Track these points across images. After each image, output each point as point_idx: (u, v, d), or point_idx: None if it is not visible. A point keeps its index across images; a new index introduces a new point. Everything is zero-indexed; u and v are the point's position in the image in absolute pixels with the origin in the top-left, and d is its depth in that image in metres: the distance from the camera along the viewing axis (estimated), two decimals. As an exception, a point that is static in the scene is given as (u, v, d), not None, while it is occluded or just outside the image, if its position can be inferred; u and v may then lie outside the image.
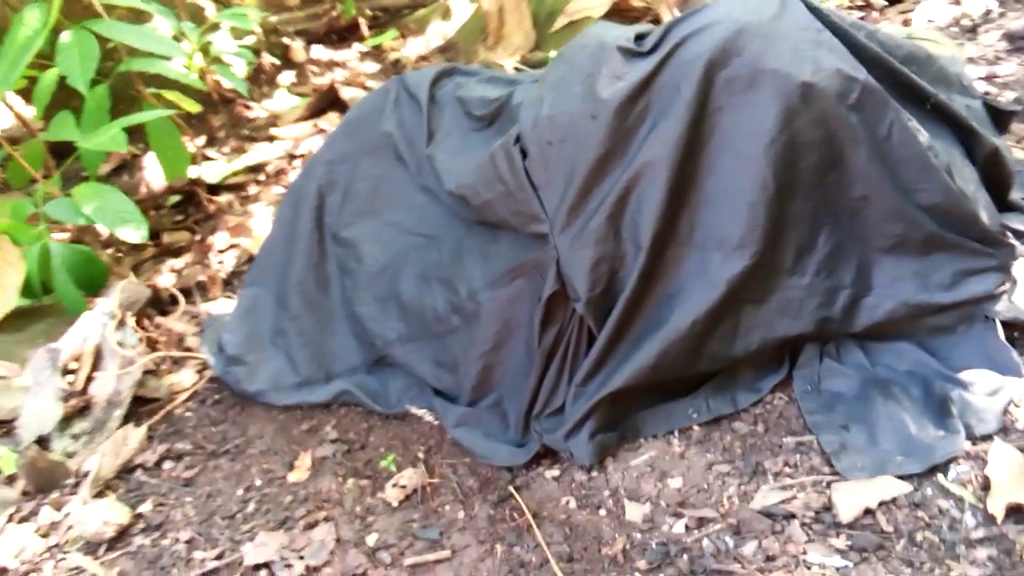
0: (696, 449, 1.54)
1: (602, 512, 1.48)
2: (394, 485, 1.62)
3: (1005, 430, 1.41)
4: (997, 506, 1.28)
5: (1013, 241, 1.53)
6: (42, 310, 2.31)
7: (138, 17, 2.83)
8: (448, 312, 1.72)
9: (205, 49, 2.90)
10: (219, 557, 1.53)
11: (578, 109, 1.50)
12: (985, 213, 1.52)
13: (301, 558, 1.49)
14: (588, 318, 1.52)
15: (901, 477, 1.37)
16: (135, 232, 2.17)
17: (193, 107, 2.93)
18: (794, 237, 1.49)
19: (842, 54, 1.44)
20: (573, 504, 1.51)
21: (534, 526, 1.47)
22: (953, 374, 1.49)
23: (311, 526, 1.57)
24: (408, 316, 1.80)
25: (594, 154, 1.47)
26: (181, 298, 2.27)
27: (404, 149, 1.88)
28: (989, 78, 2.52)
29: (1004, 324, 1.54)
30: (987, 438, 1.41)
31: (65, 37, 2.22)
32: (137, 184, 3.17)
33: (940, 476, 1.37)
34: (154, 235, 2.85)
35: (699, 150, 1.45)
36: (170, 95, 2.86)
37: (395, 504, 1.59)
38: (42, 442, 1.88)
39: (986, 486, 1.33)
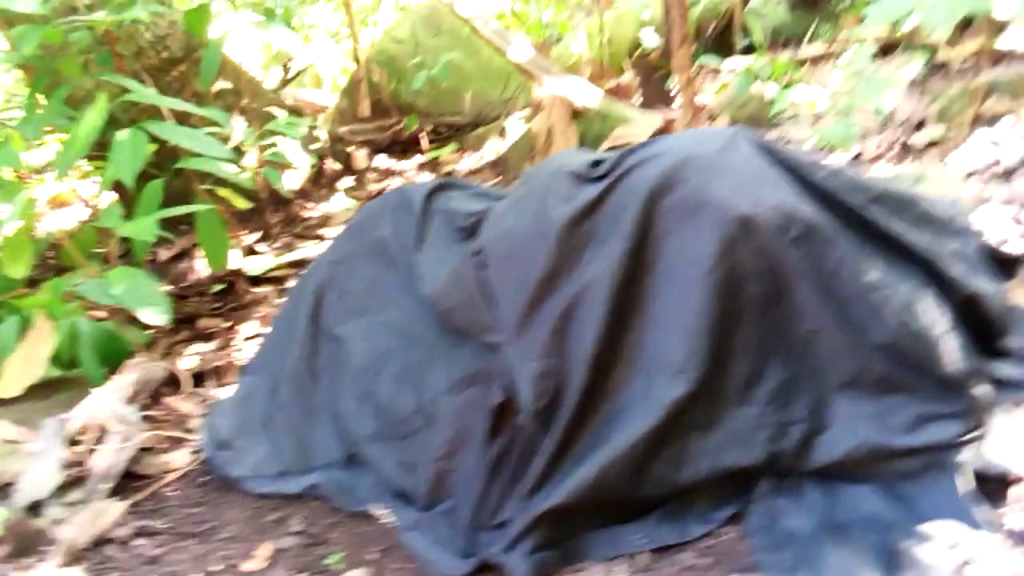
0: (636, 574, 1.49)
1: (531, 634, 1.44)
2: (337, 584, 1.62)
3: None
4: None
5: (980, 390, 1.46)
6: (68, 381, 2.47)
7: (203, 121, 3.11)
8: (413, 414, 1.76)
9: (262, 150, 3.14)
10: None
11: (530, 227, 1.56)
12: (952, 357, 1.46)
13: (230, 646, 1.50)
14: (533, 431, 1.52)
15: (837, 629, 1.28)
16: (157, 315, 2.32)
17: (243, 204, 3.17)
18: (741, 366, 1.47)
19: (786, 191, 1.46)
20: (504, 622, 1.47)
21: (459, 641, 1.44)
22: (914, 524, 1.41)
23: (249, 616, 1.58)
24: (381, 415, 1.84)
25: (542, 270, 1.52)
26: (184, 380, 2.39)
27: (396, 253, 1.98)
28: (1017, 221, 2.45)
29: (980, 476, 1.45)
30: (937, 597, 1.31)
31: (122, 135, 2.46)
32: (187, 272, 3.40)
33: (878, 633, 1.27)
34: (191, 320, 3.04)
35: (643, 274, 1.48)
36: (223, 192, 3.10)
37: (334, 603, 1.59)
38: (36, 507, 1.97)
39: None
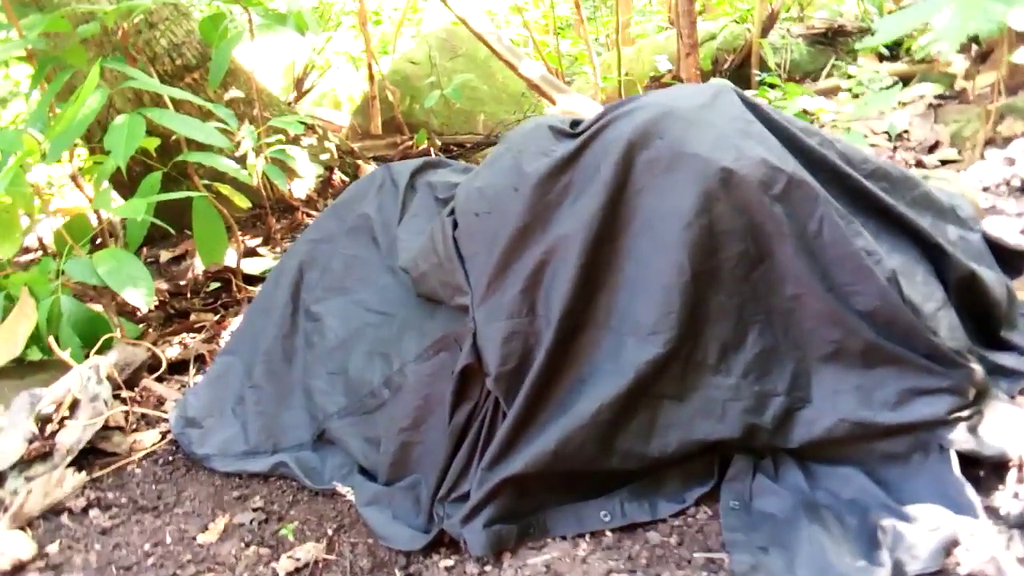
0: (601, 555, 1.39)
1: (483, 610, 1.35)
2: (289, 556, 1.54)
3: (944, 572, 1.20)
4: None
5: (973, 365, 1.37)
6: (49, 364, 2.43)
7: (206, 118, 3.12)
8: (380, 386, 1.69)
9: (259, 151, 3.14)
10: (95, 603, 1.48)
11: (504, 182, 1.51)
12: (942, 331, 1.37)
13: (167, 613, 1.42)
14: (499, 395, 1.45)
15: (808, 609, 1.18)
16: (141, 296, 2.28)
17: (244, 203, 3.15)
18: (718, 332, 1.39)
19: (771, 145, 1.40)
20: (457, 598, 1.38)
21: (406, 614, 1.35)
22: (898, 506, 1.31)
23: (193, 585, 1.50)
24: (350, 391, 1.78)
25: (514, 226, 1.45)
26: (164, 360, 2.34)
27: (379, 231, 1.93)
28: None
29: (966, 459, 1.35)
30: (920, 578, 1.20)
31: (119, 119, 2.47)
32: (186, 270, 3.39)
33: (853, 613, 1.17)
34: (185, 315, 3.01)
35: (619, 232, 1.41)
36: (224, 189, 3.09)
37: (282, 575, 1.51)
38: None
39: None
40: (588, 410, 1.37)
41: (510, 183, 1.50)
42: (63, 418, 2.07)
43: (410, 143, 4.55)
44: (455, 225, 1.58)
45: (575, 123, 1.58)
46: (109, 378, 2.20)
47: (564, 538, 1.44)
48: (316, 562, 1.52)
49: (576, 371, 1.42)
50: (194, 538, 1.67)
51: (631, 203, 1.41)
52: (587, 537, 1.43)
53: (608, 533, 1.43)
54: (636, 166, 1.41)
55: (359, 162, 4.32)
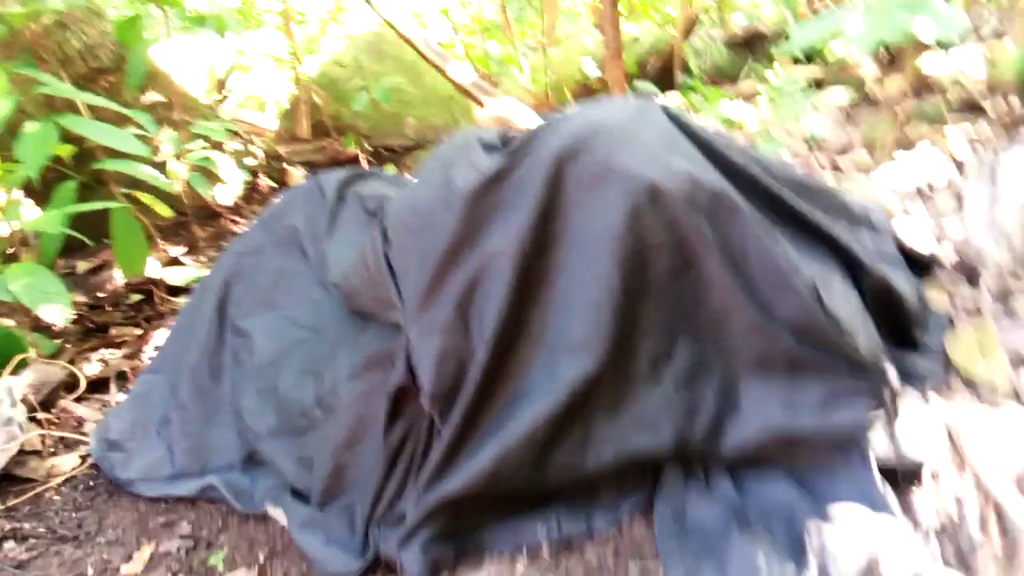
0: (538, 573, 1.40)
1: (421, 632, 1.34)
2: (219, 585, 1.50)
3: (869, 573, 1.25)
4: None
5: (888, 368, 1.42)
6: (-43, 385, 2.30)
7: (124, 123, 3.01)
8: (312, 405, 1.66)
9: (180, 156, 3.04)
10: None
11: (435, 197, 1.50)
12: (860, 336, 1.43)
13: (89, 651, 1.36)
14: (433, 414, 1.44)
15: (738, 617, 1.21)
16: (58, 312, 2.18)
17: (165, 211, 3.05)
18: (648, 345, 1.41)
19: (696, 161, 1.43)
20: (394, 621, 1.37)
21: (343, 640, 1.33)
22: (823, 513, 1.35)
23: (117, 620, 1.45)
24: (280, 410, 1.74)
25: (445, 242, 1.45)
26: (83, 379, 2.25)
27: (308, 244, 1.90)
28: (936, 236, 2.48)
29: (885, 466, 1.41)
30: (845, 584, 1.24)
31: (30, 127, 2.35)
32: (105, 281, 3.26)
33: (782, 620, 1.20)
34: (104, 329, 2.89)
35: (550, 247, 1.42)
36: (144, 198, 2.99)
37: (213, 605, 1.47)
38: (-98, 512, 1.81)
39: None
40: (523, 429, 1.37)
41: (441, 199, 1.49)
42: (-27, 445, 1.97)
43: (339, 147, 4.48)
44: (386, 240, 1.56)
45: (505, 139, 1.58)
46: (24, 400, 2.11)
47: (501, 555, 1.44)
48: (248, 590, 1.49)
49: (512, 388, 1.42)
50: (117, 569, 1.61)
51: (561, 218, 1.42)
52: (524, 555, 1.44)
53: (545, 550, 1.44)
54: (566, 181, 1.42)
55: (286, 166, 4.24)
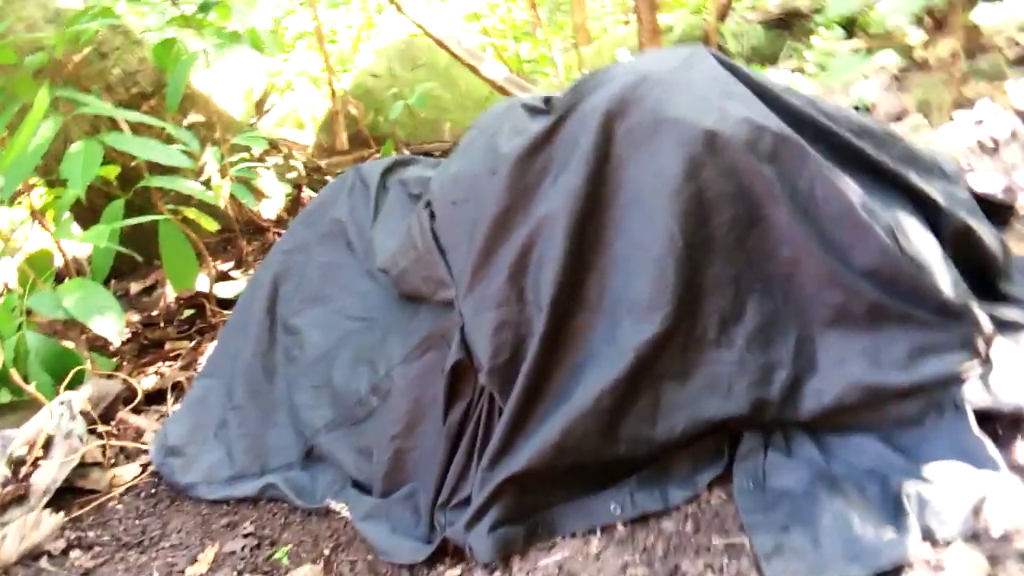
0: (615, 549, 1.32)
1: (495, 617, 1.27)
2: (285, 581, 1.46)
3: (974, 535, 1.15)
4: (954, 623, 1.02)
5: (979, 315, 1.32)
6: (19, 404, 2.32)
7: (167, 141, 3.03)
8: (368, 394, 1.62)
9: (224, 172, 3.05)
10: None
11: (480, 166, 1.44)
12: (945, 285, 1.33)
13: (159, 652, 1.33)
14: (493, 390, 1.38)
15: (839, 584, 1.12)
16: (112, 326, 2.19)
17: (211, 225, 3.06)
18: (716, 304, 1.33)
19: (753, 105, 1.34)
20: (466, 607, 1.31)
21: (415, 629, 1.27)
22: (919, 471, 1.25)
23: (185, 621, 1.42)
24: (336, 403, 1.70)
25: (494, 211, 1.39)
26: (140, 390, 2.24)
27: (354, 235, 1.86)
28: (1008, 189, 2.35)
29: (982, 416, 1.30)
30: (951, 543, 1.15)
31: (75, 147, 2.38)
32: (157, 299, 3.28)
33: (886, 584, 1.11)
34: (159, 344, 2.91)
35: (605, 207, 1.35)
36: (190, 213, 3.00)
37: (280, 602, 1.43)
38: (-27, 528, 1.82)
39: (944, 600, 1.07)
40: (589, 397, 1.30)
41: (486, 167, 1.43)
42: (37, 458, 1.97)
43: (377, 156, 4.48)
44: (432, 216, 1.51)
45: (548, 99, 1.52)
46: (83, 413, 2.11)
47: (574, 535, 1.37)
48: (315, 584, 1.44)
49: (572, 358, 1.35)
50: (183, 571, 1.59)
51: (615, 175, 1.35)
52: (598, 532, 1.36)
53: (620, 526, 1.36)
54: (616, 136, 1.35)
55: (327, 178, 4.24)
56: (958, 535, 1.15)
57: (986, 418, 1.31)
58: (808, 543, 1.21)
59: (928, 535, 1.16)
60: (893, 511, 1.20)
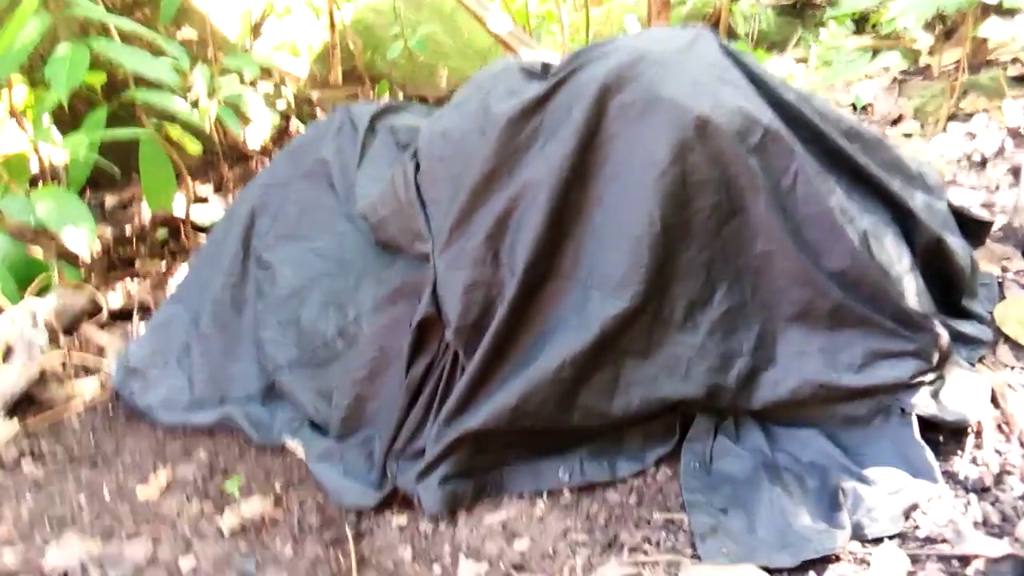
0: (558, 514, 1.36)
1: (436, 568, 1.31)
2: (233, 513, 1.48)
3: (903, 536, 1.20)
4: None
5: (939, 330, 1.35)
6: (-18, 307, 2.30)
7: (157, 53, 2.96)
8: (334, 337, 1.62)
9: (212, 94, 2.99)
10: (23, 556, 1.40)
11: (470, 124, 1.44)
12: (909, 295, 1.36)
13: (101, 567, 1.35)
14: (459, 348, 1.39)
15: (768, 570, 1.16)
16: (83, 237, 2.16)
17: (194, 147, 3.01)
18: (686, 288, 1.35)
19: (749, 95, 1.35)
20: (408, 556, 1.34)
21: (355, 573, 1.30)
22: (858, 469, 1.29)
23: (131, 540, 1.43)
24: (302, 341, 1.70)
25: (480, 170, 1.39)
26: (105, 306, 2.23)
27: (337, 177, 1.85)
28: (987, 206, 2.39)
29: (926, 424, 1.34)
30: (880, 541, 1.19)
31: (61, 48, 2.31)
32: (132, 216, 3.24)
33: (812, 574, 1.15)
34: (130, 261, 2.88)
35: (589, 178, 1.35)
36: (173, 132, 2.95)
37: (227, 532, 1.44)
38: (-76, 426, 1.81)
39: (865, 595, 1.11)
40: (551, 365, 1.32)
41: (476, 125, 1.42)
42: (-4, 363, 1.96)
43: (371, 95, 4.42)
44: (417, 168, 1.51)
45: (546, 66, 1.51)
46: (46, 323, 2.09)
47: (521, 496, 1.41)
48: (263, 518, 1.47)
49: (539, 324, 1.37)
50: (133, 491, 1.60)
51: (603, 149, 1.35)
52: (544, 496, 1.40)
53: (567, 492, 1.40)
54: (609, 110, 1.34)
55: (317, 111, 4.18)
56: (887, 534, 1.19)
57: (930, 426, 1.35)
58: (744, 527, 1.25)
59: (858, 531, 1.20)
60: (829, 505, 1.25)
